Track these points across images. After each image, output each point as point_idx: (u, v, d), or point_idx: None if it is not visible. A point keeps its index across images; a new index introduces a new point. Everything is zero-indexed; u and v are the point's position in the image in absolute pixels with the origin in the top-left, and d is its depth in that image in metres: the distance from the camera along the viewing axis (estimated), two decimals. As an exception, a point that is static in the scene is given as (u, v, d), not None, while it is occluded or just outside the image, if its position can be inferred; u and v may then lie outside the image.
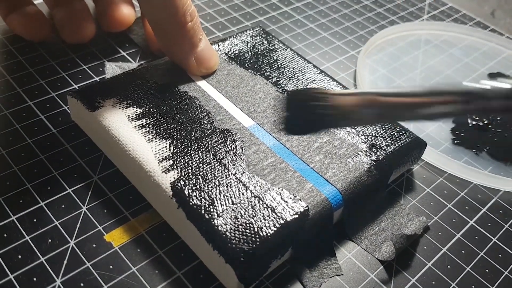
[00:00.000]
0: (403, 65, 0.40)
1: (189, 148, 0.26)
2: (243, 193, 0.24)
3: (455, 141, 0.34)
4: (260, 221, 0.23)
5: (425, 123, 0.35)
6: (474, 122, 0.35)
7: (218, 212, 0.23)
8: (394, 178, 0.30)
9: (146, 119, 0.27)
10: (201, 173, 0.25)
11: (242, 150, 0.27)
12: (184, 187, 0.24)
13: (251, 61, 0.33)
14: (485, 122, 0.35)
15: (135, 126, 0.27)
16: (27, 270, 0.23)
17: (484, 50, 0.43)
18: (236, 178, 0.25)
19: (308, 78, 0.32)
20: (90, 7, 0.36)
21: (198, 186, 0.24)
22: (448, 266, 0.27)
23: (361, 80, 0.37)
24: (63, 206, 0.26)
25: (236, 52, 0.33)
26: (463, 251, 0.27)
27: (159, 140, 0.26)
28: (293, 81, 0.32)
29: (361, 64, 0.38)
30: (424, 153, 0.31)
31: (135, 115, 0.27)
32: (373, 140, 0.29)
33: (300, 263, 0.25)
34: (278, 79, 0.32)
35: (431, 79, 0.39)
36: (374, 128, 0.29)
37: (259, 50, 0.34)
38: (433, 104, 0.22)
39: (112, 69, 0.34)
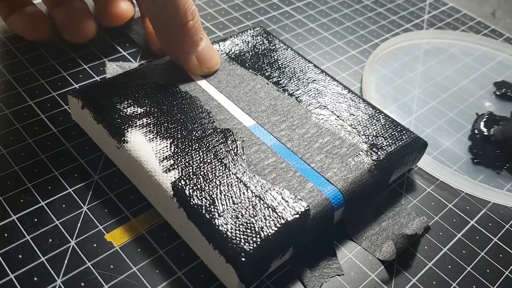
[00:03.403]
0: (408, 80, 0.40)
1: (190, 148, 0.26)
2: (244, 193, 0.24)
3: (475, 160, 0.33)
4: (261, 221, 0.23)
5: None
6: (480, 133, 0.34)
7: (219, 212, 0.23)
8: (395, 178, 0.30)
9: (146, 119, 0.27)
10: (201, 173, 0.25)
11: (243, 149, 0.27)
12: (185, 187, 0.24)
13: (252, 61, 0.33)
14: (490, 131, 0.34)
15: (136, 126, 0.27)
16: (28, 270, 0.23)
17: (496, 61, 0.42)
18: (237, 177, 0.25)
19: (309, 78, 0.32)
20: (90, 7, 0.36)
21: (199, 186, 0.24)
22: (449, 266, 0.27)
23: (368, 93, 0.36)
24: (63, 205, 0.26)
25: (237, 52, 0.33)
26: (464, 251, 0.27)
27: (159, 139, 0.26)
28: (294, 81, 0.32)
29: (367, 78, 0.37)
30: (442, 174, 0.31)
31: (136, 114, 0.27)
32: (374, 140, 0.29)
33: (301, 263, 0.25)
34: (279, 79, 0.32)
35: (437, 92, 0.39)
36: (375, 128, 0.29)
37: (260, 50, 0.34)
38: None
39: (112, 68, 0.34)
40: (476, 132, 0.34)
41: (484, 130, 0.34)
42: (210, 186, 0.24)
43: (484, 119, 0.35)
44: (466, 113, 0.36)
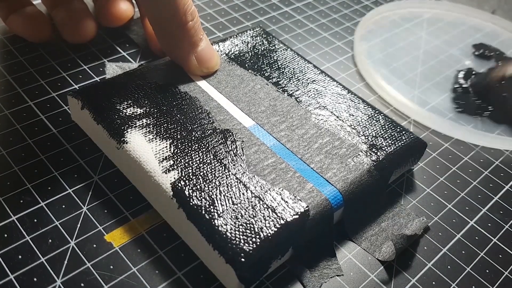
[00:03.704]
0: (400, 50, 0.40)
1: (190, 148, 0.26)
2: (243, 193, 0.24)
3: (457, 110, 0.36)
4: (261, 221, 0.23)
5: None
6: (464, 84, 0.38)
7: (219, 212, 0.23)
8: (394, 179, 0.30)
9: (146, 119, 0.27)
10: (201, 173, 0.25)
11: (243, 150, 0.27)
12: (184, 187, 0.24)
13: (252, 61, 0.33)
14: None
15: (135, 126, 0.27)
16: (28, 270, 0.23)
17: (484, 32, 0.45)
18: (237, 178, 0.25)
19: (308, 78, 0.32)
20: (89, 7, 0.36)
21: (198, 186, 0.24)
22: (448, 267, 0.27)
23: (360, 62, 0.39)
24: (63, 206, 0.26)
25: (237, 52, 0.33)
26: (463, 252, 0.27)
27: (159, 140, 0.26)
28: (293, 81, 0.32)
29: (357, 47, 0.40)
30: (430, 123, 0.34)
31: (136, 115, 0.27)
32: (374, 141, 0.29)
33: (300, 263, 0.25)
34: (279, 80, 0.32)
35: (428, 58, 0.41)
36: (375, 129, 0.29)
37: (260, 51, 0.34)
38: None
39: (112, 69, 0.34)
40: (456, 85, 0.38)
41: (463, 82, 0.38)
42: (210, 186, 0.24)
43: (463, 72, 0.40)
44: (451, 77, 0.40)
